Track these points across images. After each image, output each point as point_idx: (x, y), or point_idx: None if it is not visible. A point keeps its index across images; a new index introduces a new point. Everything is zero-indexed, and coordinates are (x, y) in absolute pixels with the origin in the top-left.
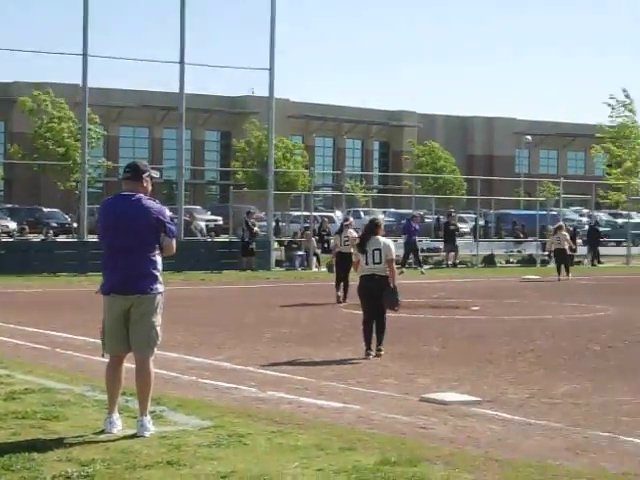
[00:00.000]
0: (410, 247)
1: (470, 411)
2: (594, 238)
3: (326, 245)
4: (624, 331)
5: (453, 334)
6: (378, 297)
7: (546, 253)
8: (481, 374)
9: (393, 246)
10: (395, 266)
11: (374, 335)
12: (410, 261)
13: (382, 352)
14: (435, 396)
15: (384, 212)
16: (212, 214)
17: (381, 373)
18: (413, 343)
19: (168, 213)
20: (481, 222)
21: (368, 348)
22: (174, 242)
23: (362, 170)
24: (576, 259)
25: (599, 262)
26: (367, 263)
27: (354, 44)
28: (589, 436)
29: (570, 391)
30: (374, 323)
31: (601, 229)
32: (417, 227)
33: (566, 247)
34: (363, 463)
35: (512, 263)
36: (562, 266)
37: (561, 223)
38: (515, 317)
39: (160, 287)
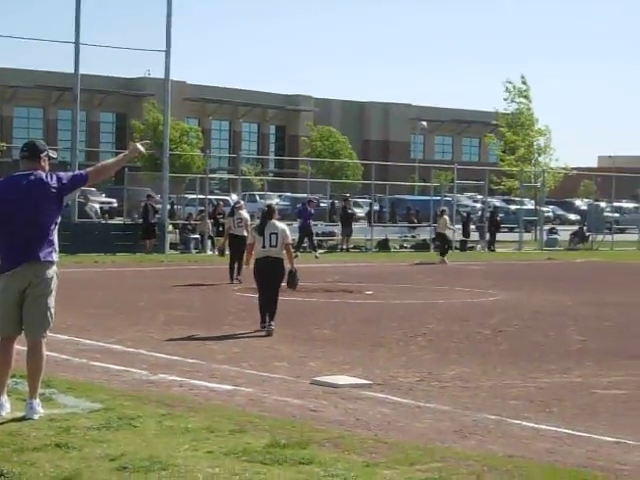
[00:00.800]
0: (305, 231)
1: (360, 394)
2: (493, 224)
3: (221, 228)
4: (514, 315)
5: (346, 318)
6: (272, 277)
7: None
8: (372, 357)
9: (289, 230)
10: (291, 249)
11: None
12: (305, 245)
13: (273, 327)
14: (326, 379)
15: (280, 196)
16: (106, 196)
17: (273, 356)
18: (306, 326)
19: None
20: (376, 207)
21: (263, 323)
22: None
23: (258, 154)
24: (469, 244)
25: (490, 249)
26: (264, 246)
27: (251, 27)
28: (477, 419)
29: (460, 374)
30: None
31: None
32: (312, 211)
33: (446, 232)
34: (253, 445)
35: (406, 248)
36: (444, 249)
37: (444, 208)
38: (407, 301)
39: (56, 257)
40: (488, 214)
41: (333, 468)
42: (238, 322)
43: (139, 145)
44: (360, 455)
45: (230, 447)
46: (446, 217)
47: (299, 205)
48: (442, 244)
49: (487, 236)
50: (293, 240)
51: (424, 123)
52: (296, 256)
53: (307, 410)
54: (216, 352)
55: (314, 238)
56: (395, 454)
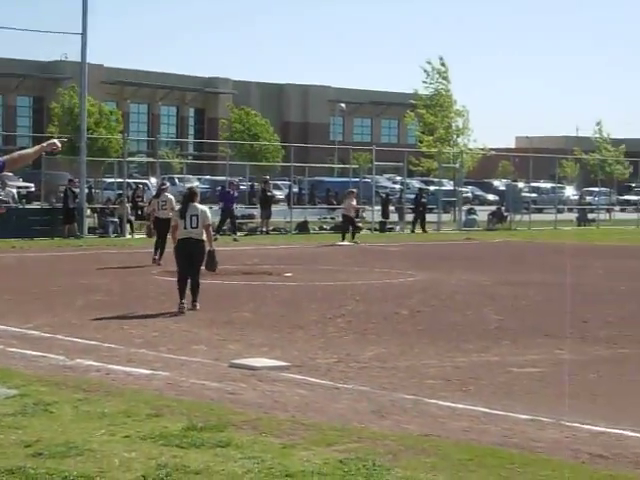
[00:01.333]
0: (227, 214)
1: (279, 376)
2: (420, 206)
3: (139, 212)
4: (432, 296)
5: (265, 300)
6: (192, 258)
7: (358, 220)
8: (291, 339)
9: (209, 212)
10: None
11: (188, 292)
12: (225, 228)
13: (197, 306)
14: (244, 362)
15: (199, 179)
16: (24, 181)
17: (191, 340)
18: (225, 309)
19: None
20: (295, 189)
21: (181, 302)
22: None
23: (177, 137)
24: (389, 226)
25: (424, 230)
26: (185, 227)
27: (169, 9)
28: (394, 399)
29: (378, 355)
30: (188, 281)
31: (411, 197)
32: (235, 194)
33: (352, 214)
34: (170, 429)
35: (325, 230)
36: (348, 231)
37: (352, 189)
38: (327, 283)
39: None
40: (414, 196)
41: (250, 450)
42: (157, 306)
43: (57, 141)
44: (277, 437)
45: (147, 431)
46: (353, 199)
47: (219, 188)
48: (345, 226)
49: (413, 217)
50: (214, 223)
51: (343, 105)
52: (215, 239)
53: (225, 393)
54: (134, 336)
55: (235, 221)
56: (312, 435)
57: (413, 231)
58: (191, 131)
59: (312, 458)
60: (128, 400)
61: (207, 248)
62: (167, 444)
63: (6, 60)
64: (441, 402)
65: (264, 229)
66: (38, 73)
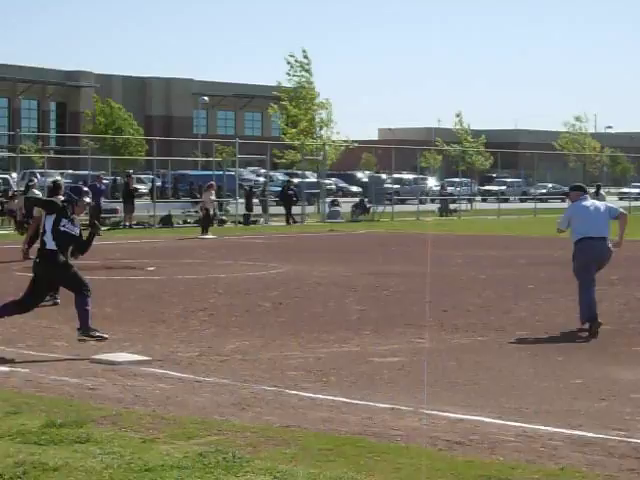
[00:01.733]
0: (95, 209)
1: (140, 371)
2: (287, 198)
3: (0, 207)
4: (295, 288)
5: (127, 295)
6: None
7: (222, 213)
8: (153, 334)
9: None
10: None
11: None
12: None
13: (58, 300)
14: (105, 357)
15: (61, 173)
16: None
17: (52, 335)
18: None
19: None
20: (158, 183)
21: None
22: None
23: (38, 131)
24: (253, 218)
25: (294, 221)
26: None
27: (28, 2)
28: (256, 391)
29: (240, 348)
30: None
31: (276, 189)
32: (103, 187)
33: (209, 207)
34: (28, 426)
35: (189, 223)
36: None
37: (211, 182)
38: (190, 277)
39: None
40: (280, 188)
41: (109, 446)
42: None
43: None
44: (137, 432)
45: (4, 429)
46: (212, 192)
47: (81, 182)
48: (205, 219)
49: (285, 209)
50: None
51: (206, 98)
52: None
53: (85, 389)
54: None
55: (100, 215)
56: (173, 429)
57: (288, 223)
58: (53, 125)
59: (172, 452)
60: None
61: None
62: (25, 441)
63: None
64: (302, 393)
65: (127, 223)
66: None
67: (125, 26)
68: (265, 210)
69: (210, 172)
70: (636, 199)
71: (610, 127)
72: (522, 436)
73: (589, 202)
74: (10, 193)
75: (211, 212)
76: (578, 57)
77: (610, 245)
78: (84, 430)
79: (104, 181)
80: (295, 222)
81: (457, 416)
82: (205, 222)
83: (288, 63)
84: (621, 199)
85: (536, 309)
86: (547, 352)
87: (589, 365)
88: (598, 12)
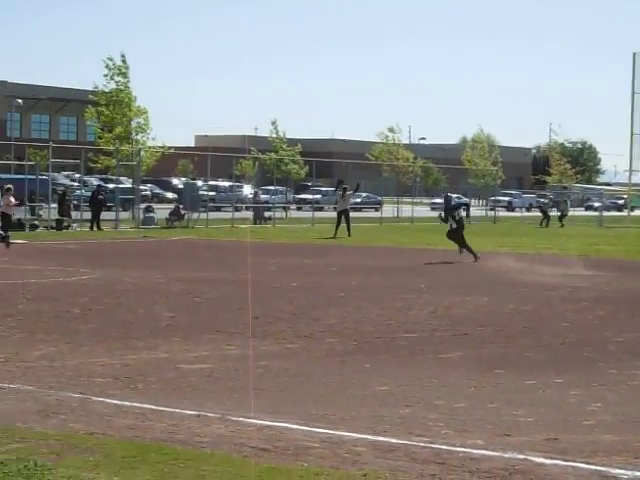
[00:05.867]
0: None
1: None
2: (95, 203)
3: None
4: (105, 294)
5: None
6: None
7: (34, 217)
8: None
9: None
10: None
11: None
12: None
13: None
14: None
15: None
16: None
17: None
18: None
19: None
20: None
21: None
22: None
23: None
24: (65, 223)
25: (99, 228)
26: None
27: None
28: (61, 398)
29: (46, 354)
30: None
31: (89, 194)
32: None
33: (9, 211)
34: None
35: None
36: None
37: (9, 186)
38: None
39: None
40: (90, 193)
41: None
42: None
43: None
44: None
45: None
46: (10, 195)
47: None
48: (5, 223)
49: (91, 215)
50: None
51: (20, 101)
52: None
53: None
54: None
55: None
56: None
57: (92, 228)
58: None
59: None
60: None
61: None
62: None
63: None
64: (108, 400)
65: None
66: None
67: None
68: (69, 215)
69: (23, 176)
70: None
71: (424, 139)
72: (327, 442)
73: None
74: None
75: (14, 216)
76: (393, 69)
77: None
78: None
79: None
80: (100, 229)
81: (264, 423)
82: (8, 226)
83: (106, 66)
84: (433, 209)
85: (346, 317)
86: (355, 359)
87: (396, 372)
88: (410, 24)
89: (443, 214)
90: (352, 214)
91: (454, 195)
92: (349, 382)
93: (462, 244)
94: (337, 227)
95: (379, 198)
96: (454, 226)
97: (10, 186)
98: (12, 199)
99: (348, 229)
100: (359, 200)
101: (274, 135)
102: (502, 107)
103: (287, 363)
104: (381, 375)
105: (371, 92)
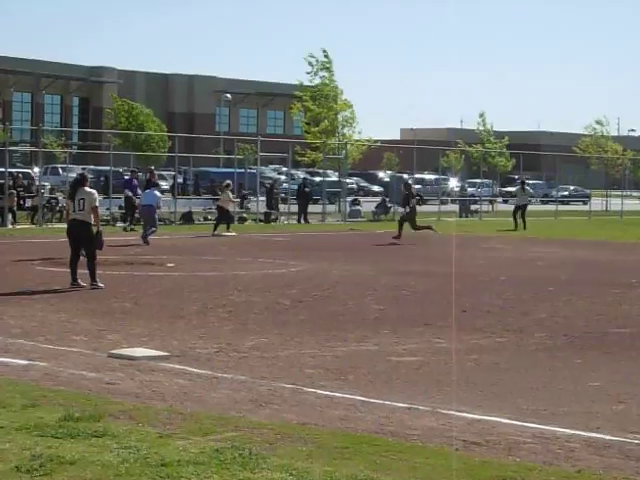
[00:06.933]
0: (131, 203)
1: (158, 366)
2: (303, 196)
3: (22, 202)
4: (314, 286)
5: (146, 290)
6: (79, 238)
7: (242, 210)
8: (171, 329)
9: (97, 195)
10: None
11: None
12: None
13: (100, 284)
14: (123, 352)
15: (83, 169)
16: None
17: (71, 330)
18: (105, 300)
19: None
20: (180, 179)
21: (74, 280)
22: None
23: (61, 126)
24: (273, 216)
25: (307, 221)
26: (74, 210)
27: None
28: (273, 388)
29: (258, 345)
30: (78, 260)
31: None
32: (136, 182)
33: (230, 207)
34: (46, 419)
35: (210, 220)
36: (221, 223)
37: (228, 182)
38: (209, 273)
39: None
40: (297, 186)
41: (126, 440)
42: (37, 296)
43: None
44: (154, 426)
45: (22, 422)
46: (228, 192)
47: (102, 178)
48: (220, 217)
49: (298, 208)
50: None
51: (229, 95)
52: (132, 229)
53: (103, 383)
54: (12, 326)
55: (136, 212)
56: (189, 425)
57: (299, 221)
58: (75, 120)
59: (188, 448)
60: (3, 391)
61: (95, 229)
62: (42, 435)
63: None
64: (320, 391)
65: None
66: None
67: (148, 22)
68: (276, 208)
69: (232, 170)
70: None
71: (633, 130)
72: (539, 437)
73: None
74: (34, 189)
75: (231, 210)
76: (602, 60)
77: None
78: (101, 424)
79: (125, 177)
80: (307, 221)
81: (474, 416)
82: (223, 220)
83: (309, 64)
84: None
85: (555, 311)
86: (565, 354)
87: (607, 367)
88: (621, 14)
89: None
90: (560, 207)
91: None
92: (560, 377)
93: None
94: (515, 221)
95: (587, 191)
96: None
97: (229, 182)
98: (230, 194)
99: (524, 223)
100: (566, 193)
101: (481, 127)
102: None
103: (497, 357)
104: (592, 370)
105: (578, 83)
